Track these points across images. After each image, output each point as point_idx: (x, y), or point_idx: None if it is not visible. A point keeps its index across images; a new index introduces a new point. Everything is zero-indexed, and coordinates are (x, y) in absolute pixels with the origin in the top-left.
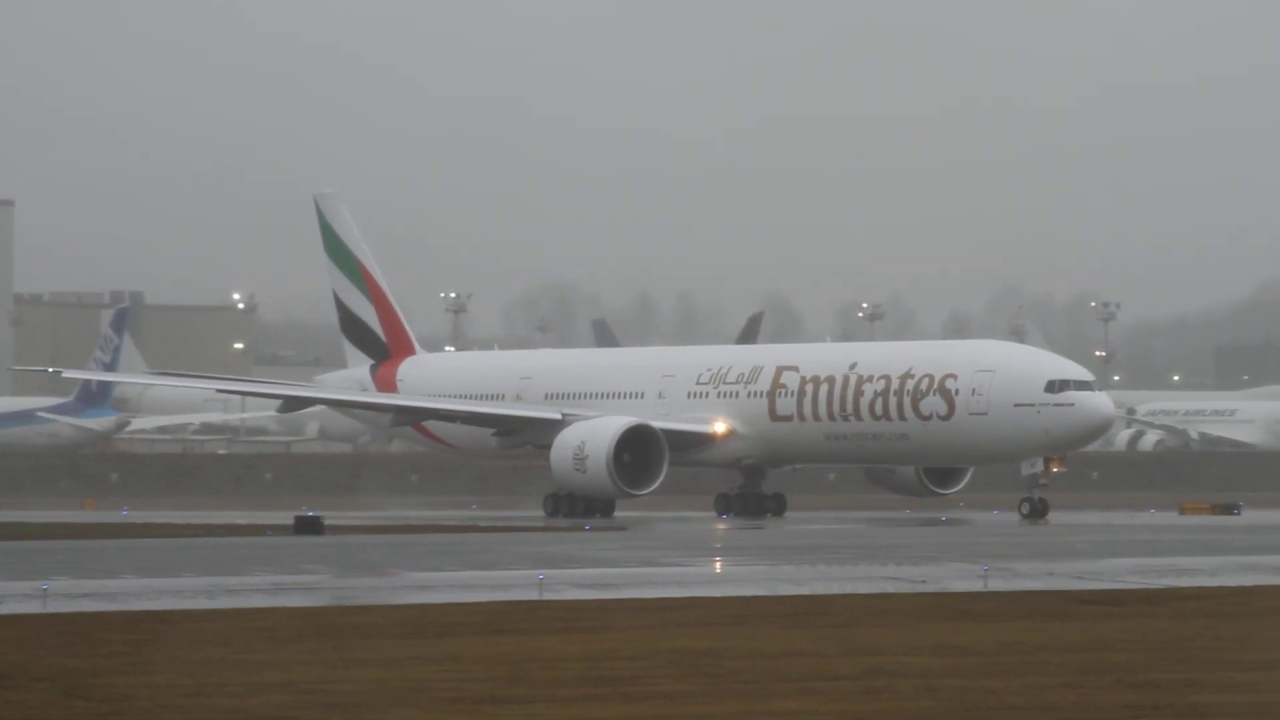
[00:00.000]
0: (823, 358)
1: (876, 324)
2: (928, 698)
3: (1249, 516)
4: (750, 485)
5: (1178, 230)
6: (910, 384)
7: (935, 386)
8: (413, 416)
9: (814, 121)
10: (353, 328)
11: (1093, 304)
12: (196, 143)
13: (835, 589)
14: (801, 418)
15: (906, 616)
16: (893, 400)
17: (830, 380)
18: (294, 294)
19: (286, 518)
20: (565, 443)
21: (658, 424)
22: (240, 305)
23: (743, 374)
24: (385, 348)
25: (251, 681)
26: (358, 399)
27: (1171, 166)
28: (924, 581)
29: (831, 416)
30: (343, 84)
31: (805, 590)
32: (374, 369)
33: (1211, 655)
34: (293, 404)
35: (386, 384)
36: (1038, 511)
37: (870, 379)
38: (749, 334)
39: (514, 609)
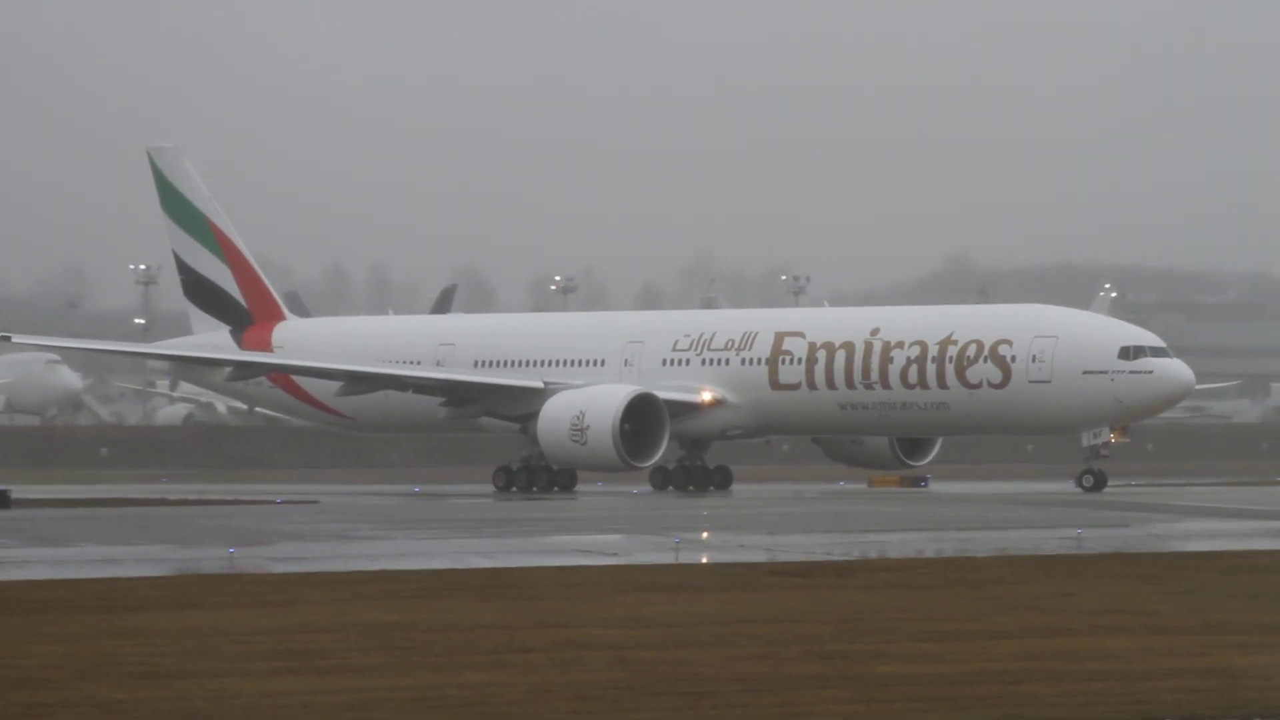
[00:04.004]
0: (833, 323)
1: (570, 296)
2: (619, 669)
3: (936, 489)
4: (691, 458)
5: (869, 206)
6: (953, 350)
7: (986, 353)
8: (369, 385)
9: (506, 92)
10: (201, 290)
11: (784, 277)
12: None
13: (527, 561)
14: (812, 386)
15: (598, 589)
16: (930, 367)
17: (848, 346)
18: None
19: None
20: (558, 413)
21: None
22: None
23: (733, 340)
24: (246, 312)
25: None
26: (325, 366)
27: (870, 149)
28: (615, 554)
29: (851, 384)
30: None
31: (497, 563)
32: (235, 334)
33: (898, 626)
34: (244, 371)
35: (258, 350)
36: (1100, 483)
37: (900, 345)
38: (442, 306)
39: (204, 583)
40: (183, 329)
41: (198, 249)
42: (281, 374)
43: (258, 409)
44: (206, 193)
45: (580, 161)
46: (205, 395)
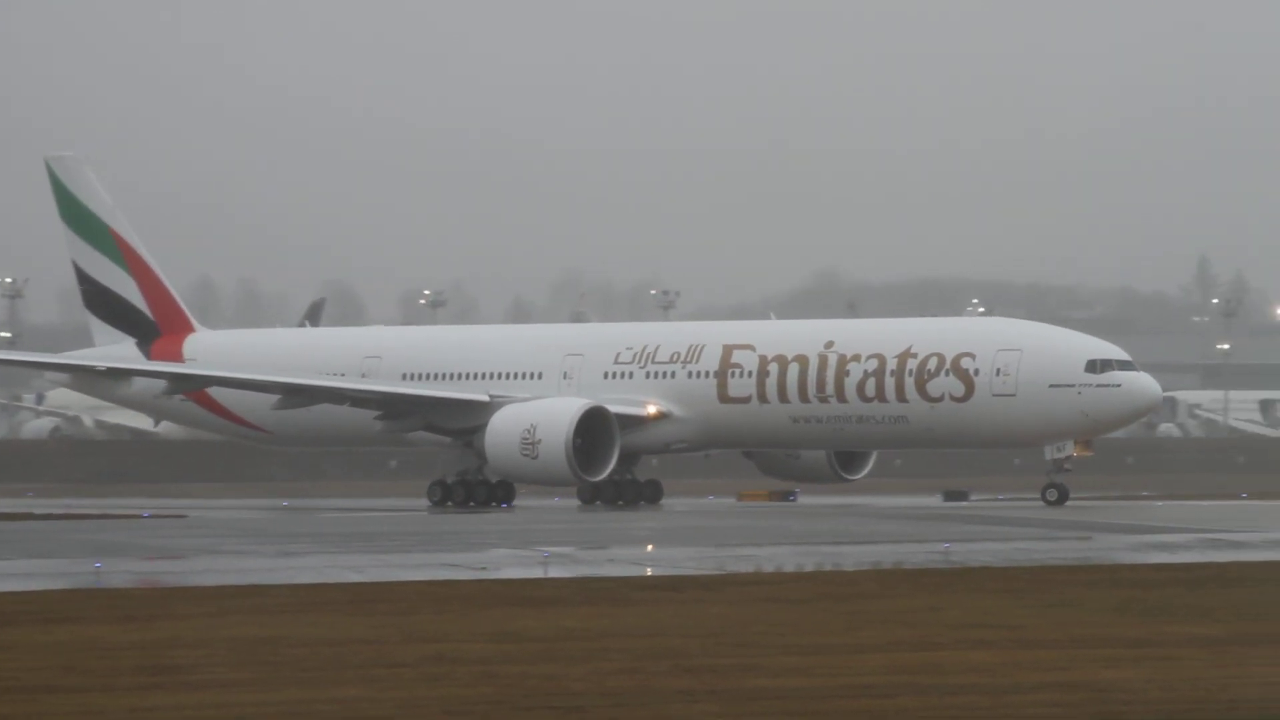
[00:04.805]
0: (785, 336)
1: (439, 310)
2: (488, 684)
3: (805, 503)
4: (621, 472)
5: (737, 221)
6: (913, 363)
7: (948, 366)
8: (309, 399)
9: (374, 103)
10: (103, 302)
11: (653, 291)
12: None
13: (397, 576)
14: (763, 399)
15: (467, 603)
16: (889, 381)
17: (801, 359)
18: None
19: None
20: (507, 427)
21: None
22: None
23: (678, 353)
24: (152, 324)
25: None
26: (271, 380)
27: (737, 165)
28: (485, 568)
29: (805, 398)
30: None
31: (367, 578)
32: (143, 346)
33: (767, 640)
34: (181, 384)
35: (169, 362)
36: (1063, 497)
37: (857, 358)
38: (311, 318)
39: (70, 597)
40: (53, 342)
41: (100, 259)
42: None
43: (164, 423)
44: (109, 202)
45: (449, 175)
46: (72, 409)
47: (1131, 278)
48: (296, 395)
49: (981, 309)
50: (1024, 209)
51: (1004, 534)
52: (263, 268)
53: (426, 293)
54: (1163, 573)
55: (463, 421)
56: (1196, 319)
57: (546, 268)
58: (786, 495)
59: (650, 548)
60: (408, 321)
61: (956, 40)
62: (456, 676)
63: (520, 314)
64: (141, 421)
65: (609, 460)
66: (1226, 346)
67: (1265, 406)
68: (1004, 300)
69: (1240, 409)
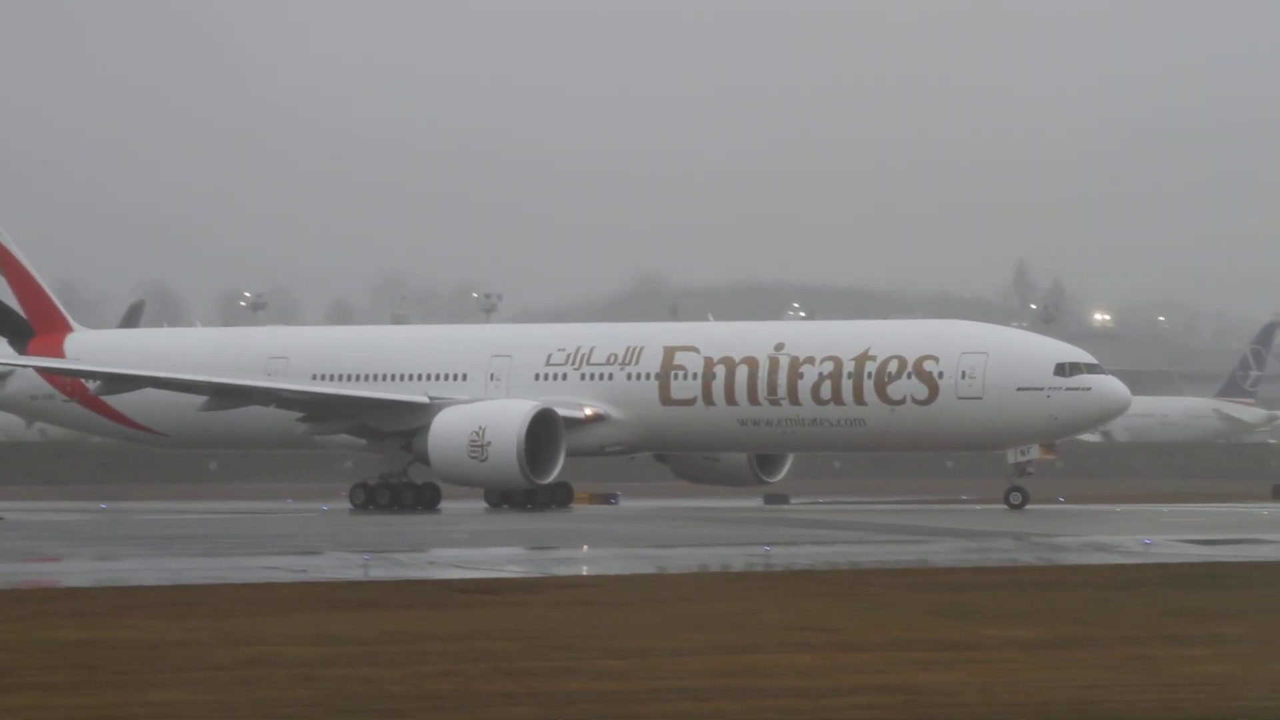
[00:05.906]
0: (731, 338)
1: (260, 312)
2: (305, 687)
3: (626, 506)
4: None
5: (557, 224)
6: (871, 366)
7: (910, 369)
8: (240, 400)
9: (190, 102)
10: None
11: (475, 295)
12: None
13: (214, 578)
14: (709, 402)
15: (285, 605)
16: (846, 383)
17: (750, 361)
18: None
19: None
20: (453, 429)
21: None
22: None
23: (615, 354)
24: (25, 323)
25: None
26: (205, 381)
27: (556, 169)
28: (305, 571)
29: (754, 400)
30: None
31: (184, 580)
32: (17, 345)
33: (587, 643)
34: (115, 385)
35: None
36: (1025, 500)
37: (811, 360)
38: (130, 321)
39: None
40: None
41: None
42: (83, 388)
43: (38, 424)
44: None
45: (266, 174)
46: None
47: (951, 283)
48: (231, 397)
49: (803, 313)
50: (845, 214)
51: (824, 537)
52: (79, 269)
53: (247, 294)
54: (980, 576)
55: (399, 424)
56: (1015, 325)
57: (367, 270)
58: (608, 498)
59: (473, 550)
60: (227, 323)
61: (789, 61)
62: (273, 679)
63: (342, 316)
64: None
65: (555, 462)
66: None
67: None
68: (825, 304)
69: None
